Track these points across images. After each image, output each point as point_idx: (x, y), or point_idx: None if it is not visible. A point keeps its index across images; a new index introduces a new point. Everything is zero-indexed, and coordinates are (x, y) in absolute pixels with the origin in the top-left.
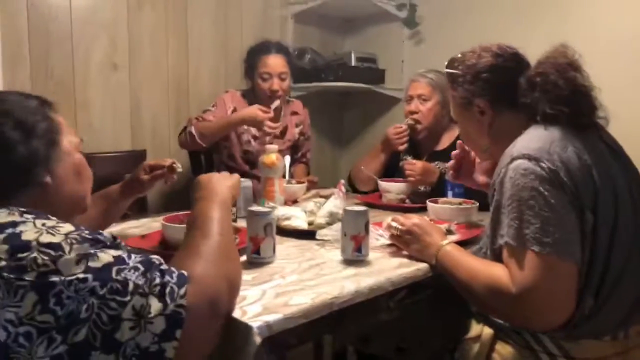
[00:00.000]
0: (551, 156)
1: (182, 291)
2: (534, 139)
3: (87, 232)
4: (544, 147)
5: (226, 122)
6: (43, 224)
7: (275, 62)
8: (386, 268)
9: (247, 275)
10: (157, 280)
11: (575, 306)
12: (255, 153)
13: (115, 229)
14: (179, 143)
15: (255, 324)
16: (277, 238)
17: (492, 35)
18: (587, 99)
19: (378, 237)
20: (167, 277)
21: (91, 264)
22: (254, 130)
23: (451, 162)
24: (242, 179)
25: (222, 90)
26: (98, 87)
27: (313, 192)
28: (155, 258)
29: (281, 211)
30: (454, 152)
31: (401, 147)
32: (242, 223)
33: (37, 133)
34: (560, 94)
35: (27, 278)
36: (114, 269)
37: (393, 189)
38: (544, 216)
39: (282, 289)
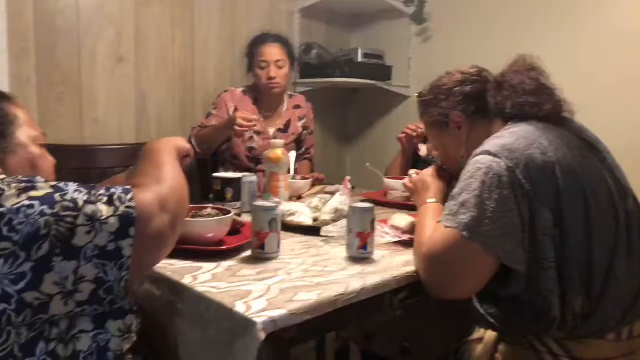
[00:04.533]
0: (512, 153)
1: (129, 196)
2: (502, 137)
3: (21, 177)
4: (507, 144)
5: (214, 129)
6: None
7: (271, 51)
8: (391, 266)
9: (251, 270)
10: (102, 192)
11: (563, 305)
12: (259, 149)
13: None
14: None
15: (259, 319)
16: (281, 234)
17: (501, 33)
18: (551, 93)
19: (384, 235)
20: (112, 190)
21: (32, 194)
22: (256, 126)
23: None
24: (247, 174)
25: (227, 83)
26: (104, 80)
27: (318, 188)
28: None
29: (286, 207)
30: None
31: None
32: (245, 218)
33: None
34: (527, 89)
35: None
36: (56, 194)
37: (399, 186)
38: (483, 209)
39: (287, 284)
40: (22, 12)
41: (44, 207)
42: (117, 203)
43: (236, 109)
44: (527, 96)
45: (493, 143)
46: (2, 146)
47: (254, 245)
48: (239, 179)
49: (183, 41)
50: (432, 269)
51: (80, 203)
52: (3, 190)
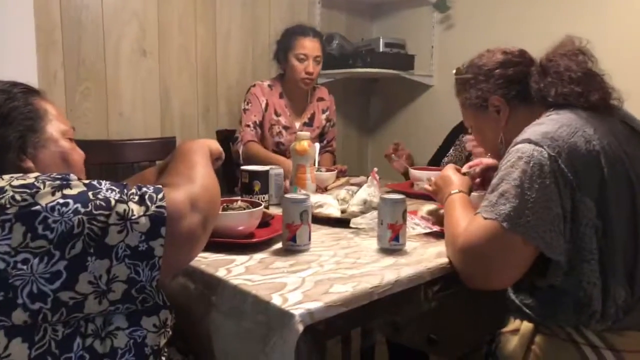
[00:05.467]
0: (554, 141)
1: (160, 196)
2: (544, 124)
3: (55, 174)
4: (549, 132)
5: (270, 162)
6: (11, 176)
7: (312, 45)
8: (424, 258)
9: (284, 262)
10: (134, 191)
11: (605, 297)
12: (287, 143)
13: None
14: (233, 153)
15: (297, 311)
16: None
17: (526, 20)
18: (598, 80)
19: (414, 226)
20: (144, 189)
21: (66, 192)
22: (284, 121)
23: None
24: (274, 166)
25: (249, 76)
26: (128, 75)
27: (343, 180)
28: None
29: (313, 198)
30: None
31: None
32: (272, 210)
33: (10, 120)
34: (573, 76)
35: (9, 212)
36: (90, 193)
37: (425, 177)
38: (524, 199)
39: (320, 276)
40: (48, 8)
41: (78, 205)
42: (149, 203)
43: (267, 104)
44: (573, 85)
45: (533, 130)
46: (33, 141)
47: (285, 237)
48: (267, 171)
49: (205, 33)
50: (469, 261)
51: (113, 202)
52: (38, 188)
